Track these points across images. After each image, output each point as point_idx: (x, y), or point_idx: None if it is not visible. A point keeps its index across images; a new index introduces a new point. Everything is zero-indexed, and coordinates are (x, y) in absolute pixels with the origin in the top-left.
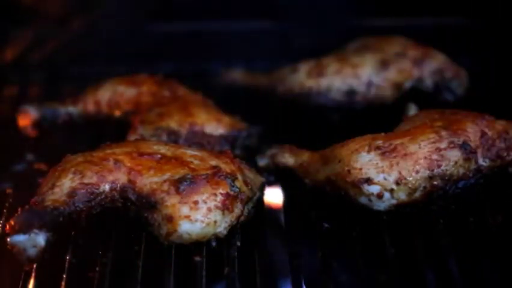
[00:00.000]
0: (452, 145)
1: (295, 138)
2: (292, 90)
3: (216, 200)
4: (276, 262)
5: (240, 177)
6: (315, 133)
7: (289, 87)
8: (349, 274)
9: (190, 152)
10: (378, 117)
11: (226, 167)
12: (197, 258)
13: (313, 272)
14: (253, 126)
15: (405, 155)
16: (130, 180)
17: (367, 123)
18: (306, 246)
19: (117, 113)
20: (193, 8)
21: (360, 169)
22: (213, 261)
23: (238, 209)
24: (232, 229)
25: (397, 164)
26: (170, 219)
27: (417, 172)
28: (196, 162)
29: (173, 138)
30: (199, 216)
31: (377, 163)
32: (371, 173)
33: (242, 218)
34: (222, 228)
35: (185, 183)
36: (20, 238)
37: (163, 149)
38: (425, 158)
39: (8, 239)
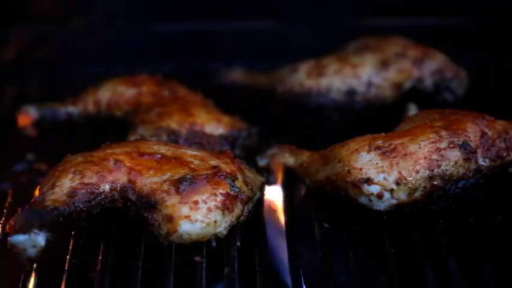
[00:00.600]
0: (452, 145)
1: (295, 138)
2: (292, 90)
3: (216, 200)
4: (276, 262)
5: (240, 177)
6: (315, 133)
7: (289, 87)
8: (349, 274)
9: (190, 152)
10: (378, 117)
11: (226, 167)
12: (197, 258)
13: (313, 272)
14: (253, 126)
15: (405, 155)
16: (130, 180)
17: (367, 123)
18: (306, 246)
19: (117, 113)
20: (193, 8)
21: (360, 169)
22: (213, 261)
23: (238, 209)
24: (232, 229)
25: (397, 164)
26: (170, 219)
27: (417, 172)
28: (196, 162)
29: (173, 138)
30: (199, 216)
31: (377, 163)
32: (371, 173)
33: (242, 218)
34: (222, 228)
35: (185, 183)
36: (20, 238)
37: (163, 149)
38: (425, 158)
39: (8, 239)
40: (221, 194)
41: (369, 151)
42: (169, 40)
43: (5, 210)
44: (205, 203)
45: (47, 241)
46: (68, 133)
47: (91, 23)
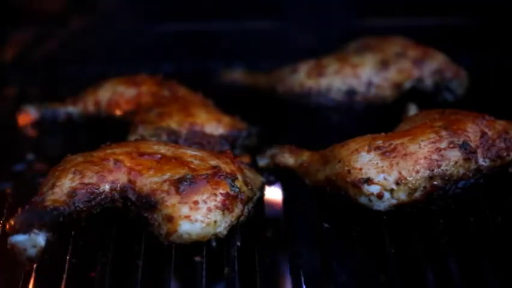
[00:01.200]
0: (452, 145)
1: (295, 138)
2: (292, 90)
3: (216, 200)
4: (276, 262)
5: (240, 177)
6: (315, 133)
7: (289, 87)
8: (349, 274)
9: (190, 152)
10: (378, 117)
11: (226, 167)
12: (197, 258)
13: (313, 272)
14: (253, 126)
15: (405, 155)
16: (130, 180)
17: (367, 123)
18: (306, 246)
19: (117, 113)
20: (193, 8)
21: (360, 169)
22: (213, 261)
23: (238, 209)
24: (232, 229)
25: (397, 164)
26: (170, 219)
27: (417, 172)
28: (196, 162)
29: (173, 138)
30: (199, 216)
31: (377, 163)
32: (371, 173)
33: (242, 218)
34: (222, 228)
35: (185, 183)
36: (20, 238)
37: (163, 149)
38: (425, 158)
39: (8, 239)
40: (221, 194)
41: (369, 151)
42: (169, 40)
43: (5, 210)
44: (205, 203)
45: (47, 241)
46: (68, 133)
47: (91, 23)
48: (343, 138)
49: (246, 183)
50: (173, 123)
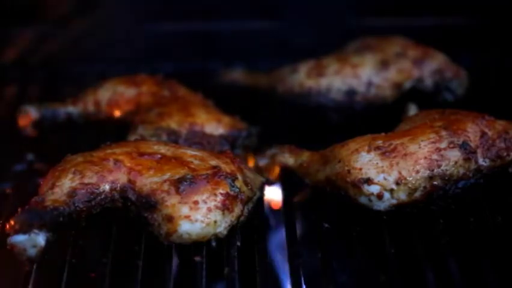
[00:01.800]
0: (452, 145)
1: (295, 138)
2: (292, 90)
3: (216, 200)
4: (276, 262)
5: (240, 177)
6: (315, 133)
7: (289, 87)
8: (349, 274)
9: (190, 152)
10: (378, 117)
11: (226, 167)
12: (197, 258)
13: (313, 272)
14: (253, 126)
15: (405, 155)
16: (130, 180)
17: (367, 123)
18: (306, 246)
19: (117, 113)
20: (193, 8)
21: (360, 169)
22: (213, 261)
23: (238, 209)
24: (232, 229)
25: (397, 164)
26: (170, 219)
27: (417, 172)
28: (196, 162)
29: (173, 138)
30: (199, 216)
31: (377, 163)
32: (371, 173)
33: (242, 218)
34: (222, 228)
35: (185, 183)
36: (20, 238)
37: (163, 149)
38: (425, 158)
39: (8, 239)
40: (221, 194)
41: (369, 151)
42: (169, 40)
43: (5, 210)
44: (205, 203)
45: (47, 241)
46: (68, 133)
47: (91, 23)
48: (343, 138)
49: (246, 183)
50: (173, 123)
